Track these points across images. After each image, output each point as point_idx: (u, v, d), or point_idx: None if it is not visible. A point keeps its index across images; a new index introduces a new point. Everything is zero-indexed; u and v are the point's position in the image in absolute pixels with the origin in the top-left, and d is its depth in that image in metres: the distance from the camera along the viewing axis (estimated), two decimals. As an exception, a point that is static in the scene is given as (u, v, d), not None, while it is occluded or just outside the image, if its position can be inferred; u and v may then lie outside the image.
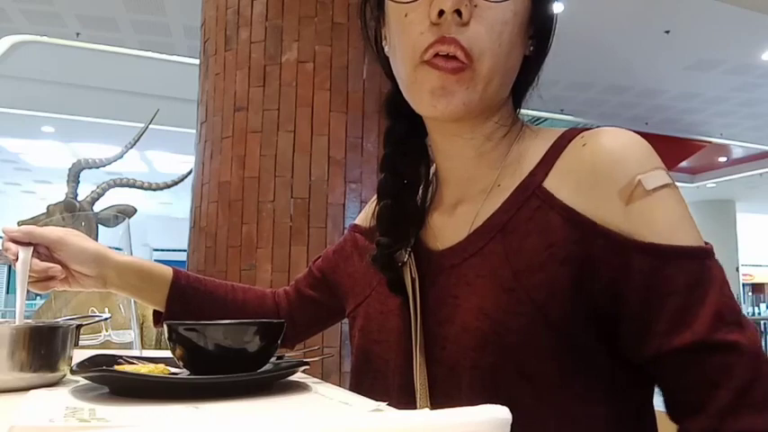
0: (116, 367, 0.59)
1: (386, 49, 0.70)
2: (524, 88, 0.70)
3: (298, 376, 0.65)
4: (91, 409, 0.46)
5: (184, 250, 2.76)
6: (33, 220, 2.20)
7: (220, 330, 0.60)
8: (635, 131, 0.60)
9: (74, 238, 0.77)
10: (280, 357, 0.71)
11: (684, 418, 0.55)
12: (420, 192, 0.75)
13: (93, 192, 2.52)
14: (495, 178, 0.66)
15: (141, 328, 1.40)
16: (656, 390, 0.60)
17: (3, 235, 0.75)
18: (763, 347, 0.55)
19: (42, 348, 0.60)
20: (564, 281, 0.57)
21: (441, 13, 0.59)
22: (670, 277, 0.55)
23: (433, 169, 0.76)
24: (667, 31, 5.56)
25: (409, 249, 0.69)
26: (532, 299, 0.58)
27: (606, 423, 0.58)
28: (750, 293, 17.42)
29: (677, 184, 0.58)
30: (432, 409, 0.41)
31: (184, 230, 2.79)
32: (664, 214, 0.56)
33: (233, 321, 0.66)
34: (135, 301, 1.13)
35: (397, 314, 0.69)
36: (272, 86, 2.46)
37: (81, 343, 0.71)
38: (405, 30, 0.62)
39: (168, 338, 0.60)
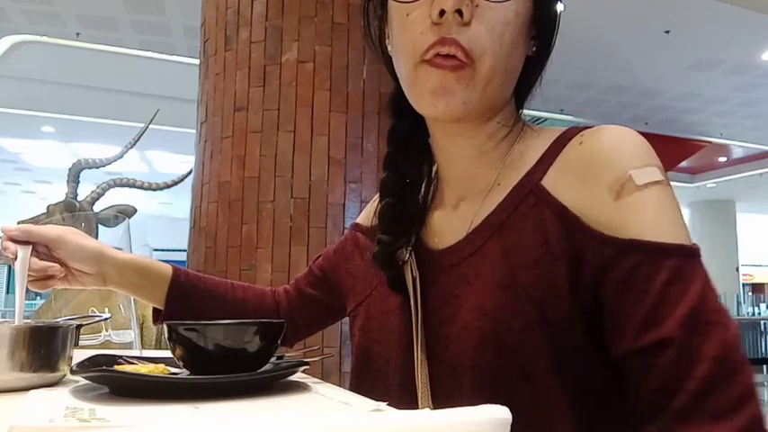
0: (116, 367, 0.59)
1: (389, 49, 0.70)
2: (527, 89, 0.70)
3: (298, 376, 0.65)
4: (91, 409, 0.46)
5: (184, 250, 2.76)
6: (33, 220, 2.19)
7: (220, 330, 0.60)
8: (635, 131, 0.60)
9: (72, 235, 0.77)
10: (280, 357, 0.71)
11: (642, 425, 0.51)
12: (422, 190, 0.75)
13: (93, 192, 2.51)
14: (496, 177, 0.66)
15: (141, 328, 1.39)
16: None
17: (1, 234, 0.74)
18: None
19: (42, 348, 0.60)
20: (559, 278, 0.57)
21: (442, 12, 0.59)
22: (648, 275, 0.53)
23: (434, 168, 0.76)
24: (667, 31, 5.56)
25: (410, 248, 0.69)
26: (530, 296, 0.57)
27: (606, 423, 0.58)
28: (750, 293, 17.37)
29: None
30: (434, 409, 0.41)
31: (184, 230, 2.79)
32: (652, 211, 0.55)
33: (233, 321, 0.66)
34: (135, 301, 1.12)
35: (398, 313, 0.69)
36: (272, 86, 2.46)
37: (81, 343, 0.71)
38: (406, 29, 0.62)
39: (168, 338, 0.60)
